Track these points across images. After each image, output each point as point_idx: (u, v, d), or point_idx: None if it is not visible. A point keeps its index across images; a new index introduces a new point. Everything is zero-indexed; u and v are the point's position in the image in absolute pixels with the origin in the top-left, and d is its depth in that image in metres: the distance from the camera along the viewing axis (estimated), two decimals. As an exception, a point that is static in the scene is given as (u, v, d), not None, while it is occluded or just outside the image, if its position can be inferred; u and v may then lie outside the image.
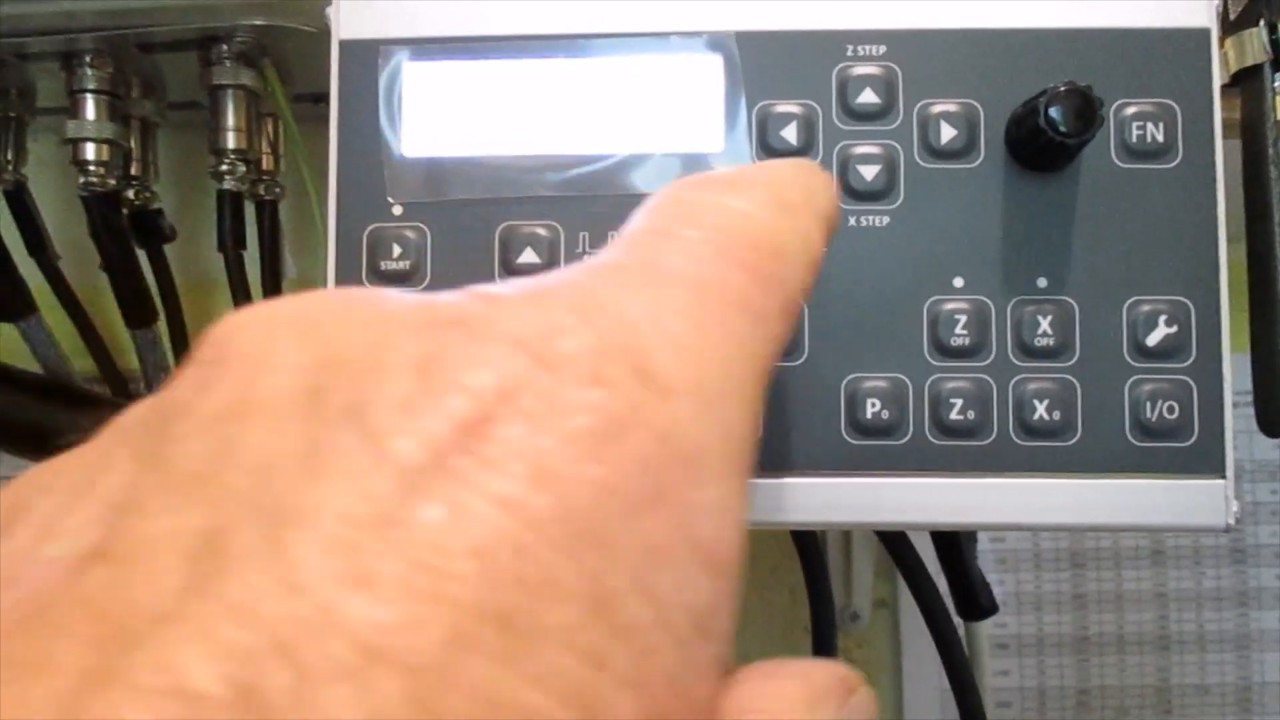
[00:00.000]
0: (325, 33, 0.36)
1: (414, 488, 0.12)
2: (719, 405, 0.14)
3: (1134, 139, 0.33)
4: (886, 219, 0.33)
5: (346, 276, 0.34)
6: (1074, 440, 0.32)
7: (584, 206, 0.33)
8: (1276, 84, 0.40)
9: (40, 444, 0.54)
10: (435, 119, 0.34)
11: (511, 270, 0.33)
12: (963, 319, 0.32)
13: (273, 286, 0.54)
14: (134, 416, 0.16)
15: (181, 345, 0.56)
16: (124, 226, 0.53)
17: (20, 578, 0.13)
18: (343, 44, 0.34)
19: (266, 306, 0.15)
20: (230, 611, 0.12)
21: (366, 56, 0.34)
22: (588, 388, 0.13)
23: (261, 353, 0.14)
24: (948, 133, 0.33)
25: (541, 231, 0.33)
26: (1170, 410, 0.32)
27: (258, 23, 0.47)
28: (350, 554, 0.12)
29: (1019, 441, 0.32)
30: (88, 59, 0.49)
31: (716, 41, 0.33)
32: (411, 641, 0.11)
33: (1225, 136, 0.34)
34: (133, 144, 0.52)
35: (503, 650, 0.11)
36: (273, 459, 0.13)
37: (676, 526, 0.13)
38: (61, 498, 0.15)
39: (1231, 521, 0.32)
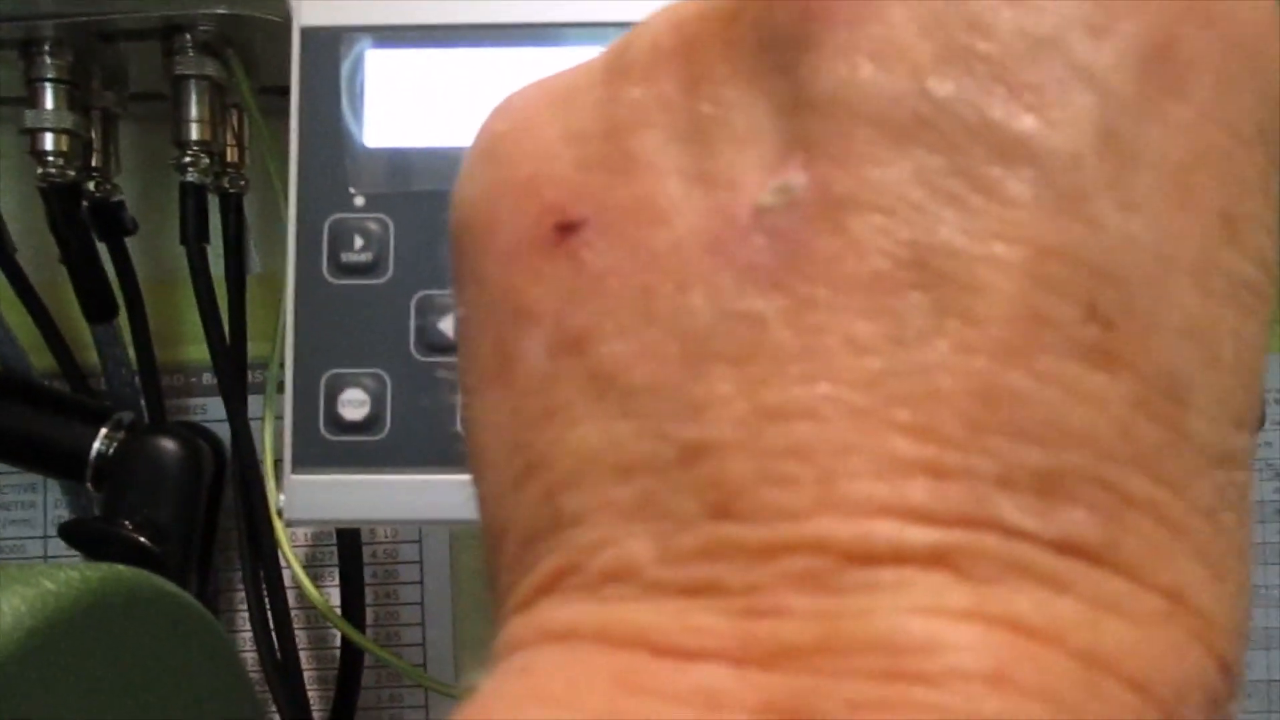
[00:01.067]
0: (290, 23, 0.35)
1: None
2: None
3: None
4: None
5: (306, 269, 0.33)
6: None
7: (550, 198, 0.32)
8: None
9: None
10: (399, 108, 0.33)
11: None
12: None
13: (237, 281, 0.53)
14: (693, 46, 0.14)
15: (143, 340, 0.54)
16: (84, 219, 0.52)
17: (729, 237, 0.13)
18: (304, 31, 0.33)
19: None
20: (1043, 255, 0.12)
21: (328, 44, 0.33)
22: None
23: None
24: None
25: (507, 224, 0.32)
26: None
27: (221, 11, 0.46)
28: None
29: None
30: (47, 47, 0.48)
31: (686, 32, 0.33)
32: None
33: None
34: (94, 135, 0.51)
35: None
36: (966, 95, 0.12)
37: None
38: (672, 140, 0.14)
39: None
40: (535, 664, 0.13)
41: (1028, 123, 0.12)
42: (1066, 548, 0.12)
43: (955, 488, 0.12)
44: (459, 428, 0.16)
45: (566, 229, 0.14)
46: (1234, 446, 0.13)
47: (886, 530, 0.12)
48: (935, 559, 0.11)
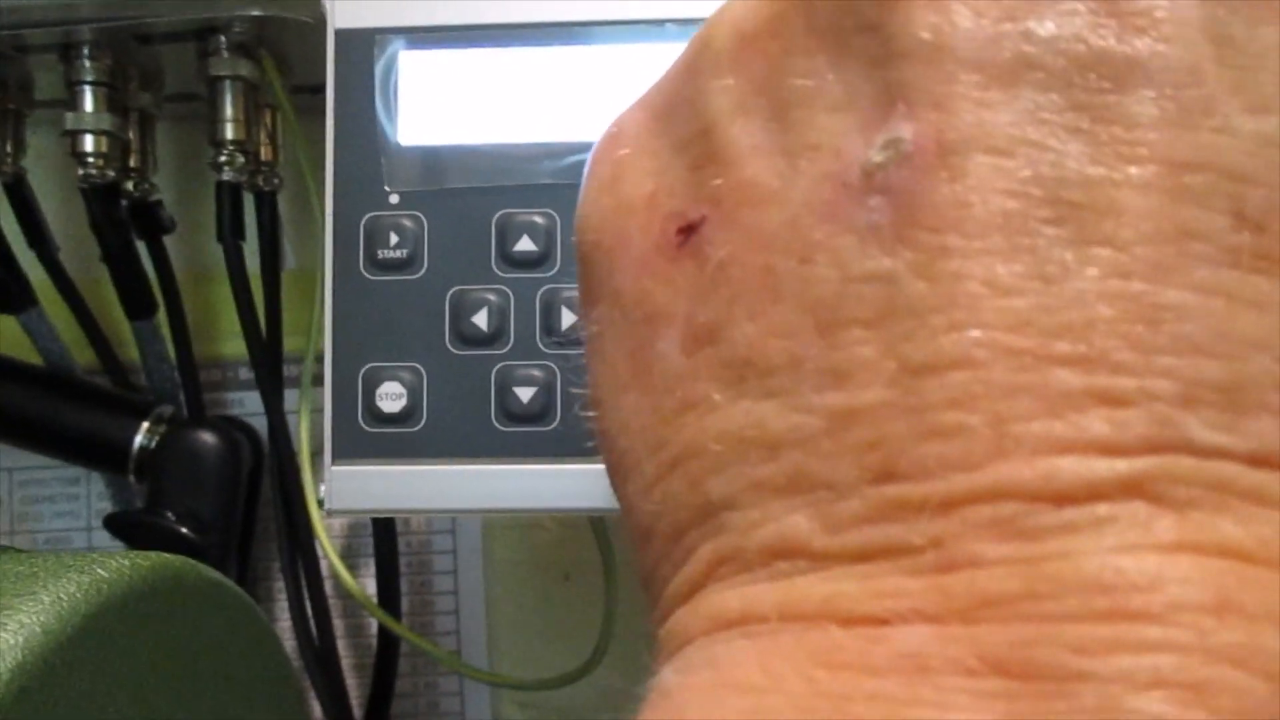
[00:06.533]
0: (323, 23, 0.36)
1: None
2: None
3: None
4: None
5: (343, 265, 0.34)
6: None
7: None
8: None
9: (42, 437, 0.55)
10: (431, 107, 0.34)
11: (509, 259, 0.33)
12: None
13: (271, 277, 0.54)
14: (775, 23, 0.14)
15: (182, 336, 0.56)
16: (123, 218, 0.53)
17: (843, 202, 0.13)
18: (338, 33, 0.34)
19: None
20: (1178, 169, 0.12)
21: (362, 45, 0.34)
22: None
23: None
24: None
25: (538, 219, 0.33)
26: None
27: (255, 14, 0.47)
28: None
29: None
30: (86, 51, 0.49)
31: (711, 29, 0.33)
32: None
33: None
34: (131, 136, 0.52)
35: None
36: (1069, 30, 0.12)
37: None
38: (770, 120, 0.14)
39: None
40: (720, 653, 0.13)
41: (1138, 44, 0.12)
42: (1261, 460, 0.11)
43: (1136, 413, 0.11)
44: (593, 442, 0.16)
45: (687, 230, 0.14)
46: None
47: (1073, 466, 0.11)
48: (1129, 489, 0.11)
